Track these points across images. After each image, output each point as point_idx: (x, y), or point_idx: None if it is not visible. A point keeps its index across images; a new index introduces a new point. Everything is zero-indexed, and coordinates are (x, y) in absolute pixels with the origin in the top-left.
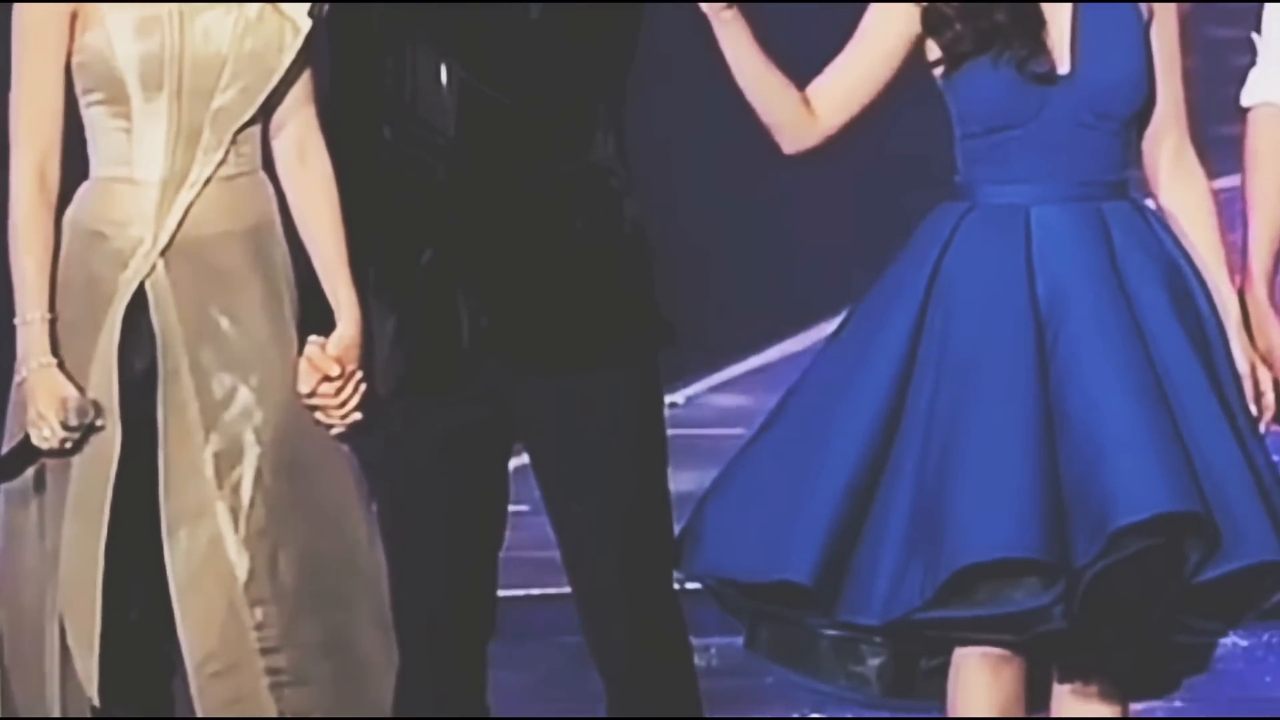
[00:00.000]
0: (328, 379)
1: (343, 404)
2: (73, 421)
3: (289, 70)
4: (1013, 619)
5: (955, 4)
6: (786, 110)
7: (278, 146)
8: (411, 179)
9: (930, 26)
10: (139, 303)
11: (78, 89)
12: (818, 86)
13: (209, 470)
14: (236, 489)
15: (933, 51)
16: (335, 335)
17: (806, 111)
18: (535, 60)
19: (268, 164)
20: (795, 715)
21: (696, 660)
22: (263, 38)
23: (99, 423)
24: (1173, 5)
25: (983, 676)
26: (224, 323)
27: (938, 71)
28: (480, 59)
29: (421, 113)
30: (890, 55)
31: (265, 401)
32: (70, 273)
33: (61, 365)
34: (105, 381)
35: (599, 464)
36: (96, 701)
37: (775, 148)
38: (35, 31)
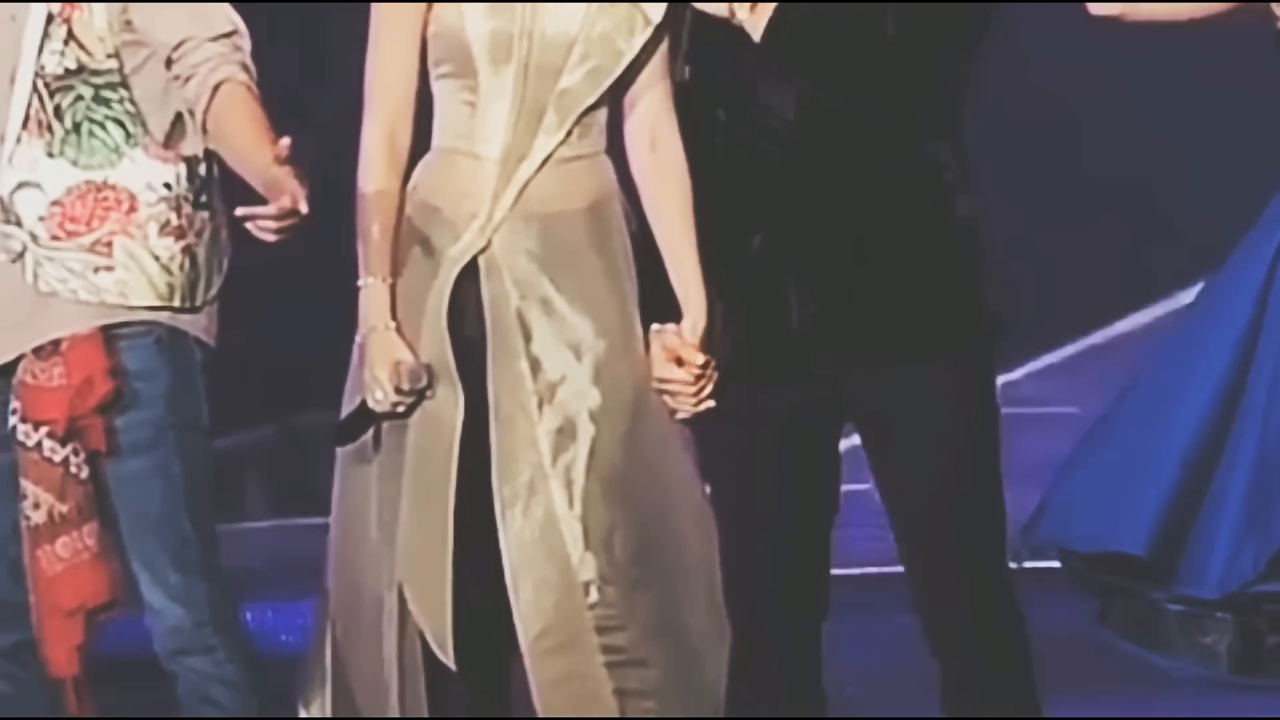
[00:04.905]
0: (687, 366)
1: (698, 391)
2: (405, 385)
3: (639, 56)
4: None
5: None
6: None
7: (629, 129)
8: (744, 162)
9: None
10: (471, 276)
11: (430, 60)
12: None
13: (543, 446)
14: (570, 467)
15: None
16: (690, 323)
17: None
18: (884, 71)
19: (616, 146)
20: None
21: None
22: (614, 21)
23: (429, 392)
24: None
25: None
26: (559, 300)
27: None
28: (826, 69)
29: (760, 96)
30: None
31: (602, 381)
32: (407, 241)
33: (399, 330)
34: (439, 351)
35: (930, 450)
36: (454, 666)
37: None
38: (393, 1)
